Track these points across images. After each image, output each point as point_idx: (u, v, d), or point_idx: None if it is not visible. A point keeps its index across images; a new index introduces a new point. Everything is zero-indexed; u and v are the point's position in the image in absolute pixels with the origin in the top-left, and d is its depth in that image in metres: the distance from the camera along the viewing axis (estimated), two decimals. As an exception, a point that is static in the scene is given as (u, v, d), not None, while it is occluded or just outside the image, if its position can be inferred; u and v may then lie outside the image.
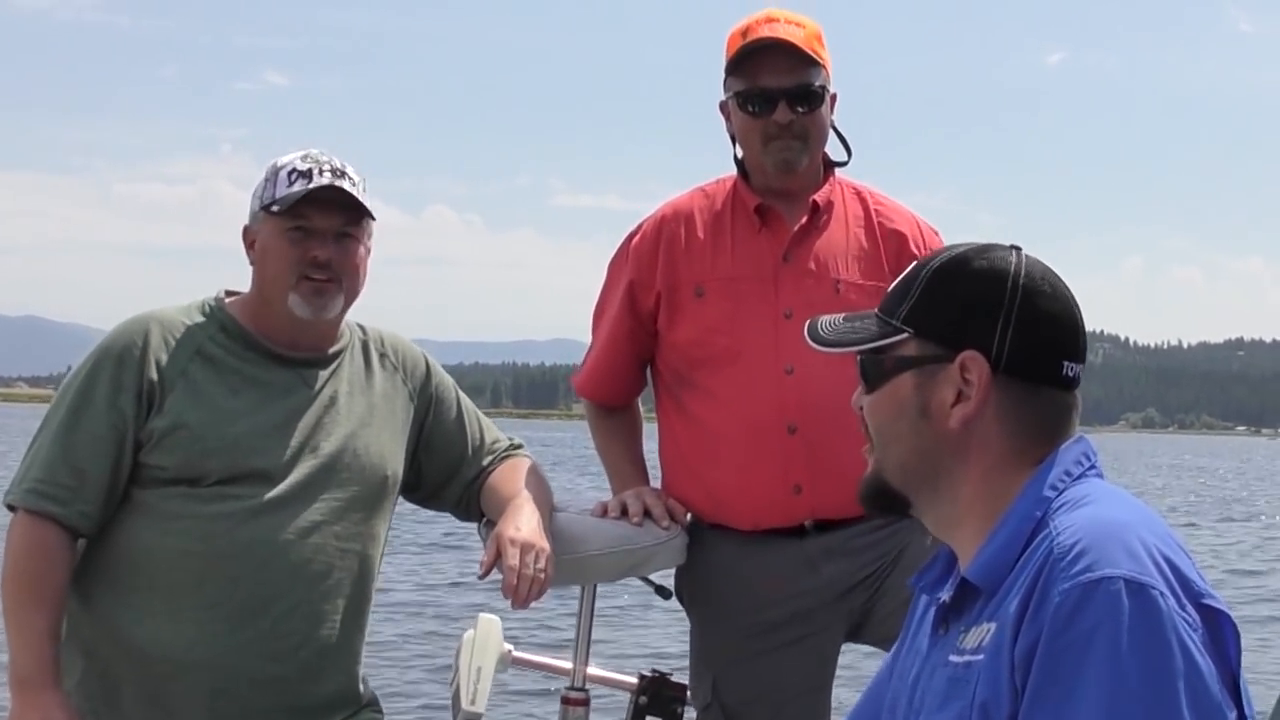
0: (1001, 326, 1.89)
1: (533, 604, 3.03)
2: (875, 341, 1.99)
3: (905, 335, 1.96)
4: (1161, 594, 1.70)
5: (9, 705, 2.92)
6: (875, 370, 2.00)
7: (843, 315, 2.08)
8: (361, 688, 3.20)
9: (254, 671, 2.99)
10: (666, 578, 3.48)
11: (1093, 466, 1.93)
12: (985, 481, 1.92)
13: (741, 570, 3.38)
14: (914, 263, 2.04)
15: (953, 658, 1.87)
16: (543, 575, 3.02)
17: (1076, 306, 1.95)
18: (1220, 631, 1.74)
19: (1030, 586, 1.76)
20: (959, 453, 1.93)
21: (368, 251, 3.13)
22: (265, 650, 3.00)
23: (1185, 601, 1.72)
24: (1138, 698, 1.66)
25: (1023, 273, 1.91)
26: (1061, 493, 1.87)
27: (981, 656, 1.81)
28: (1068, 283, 1.97)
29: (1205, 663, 1.70)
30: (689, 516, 3.44)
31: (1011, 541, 1.85)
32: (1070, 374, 1.92)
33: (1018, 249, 1.96)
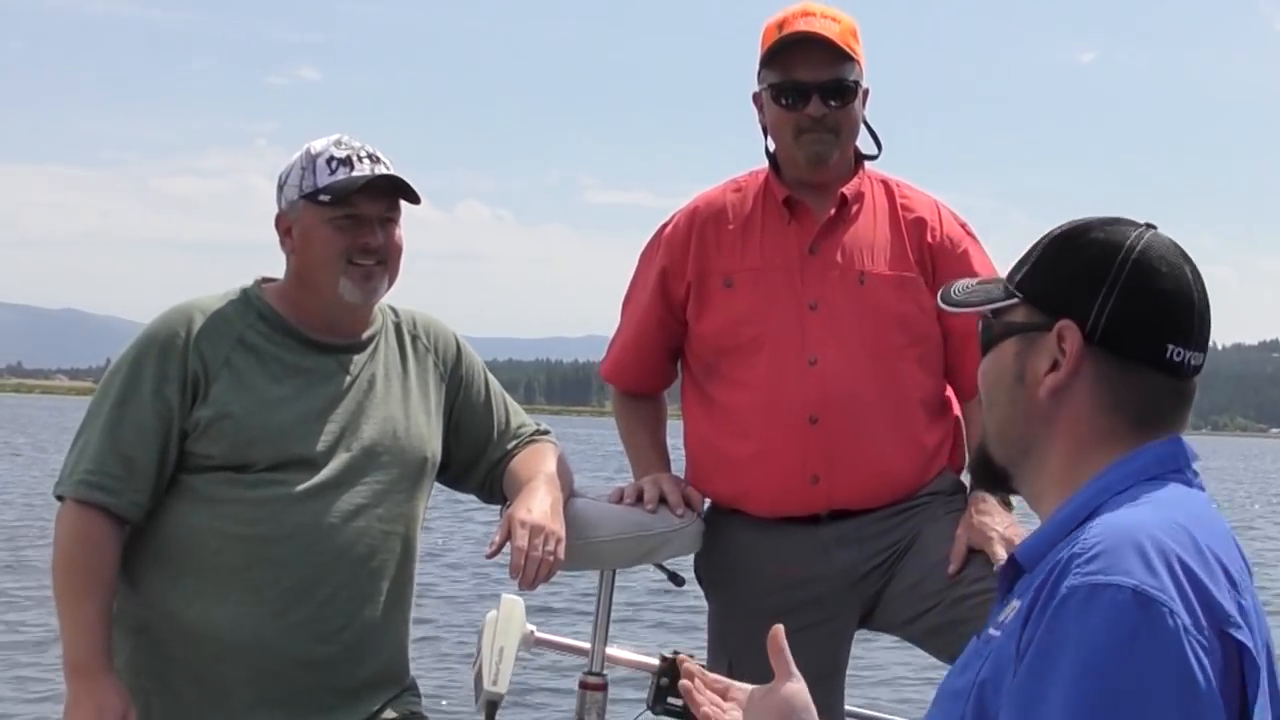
0: (1102, 298, 1.84)
1: (540, 586, 3.06)
2: (990, 304, 1.96)
3: (1016, 300, 1.93)
4: (1172, 612, 1.63)
5: (65, 691, 2.98)
6: (986, 334, 1.97)
7: (980, 278, 2.07)
8: (405, 668, 3.25)
9: (299, 652, 3.04)
10: (683, 565, 3.51)
11: (1178, 470, 1.86)
12: (1070, 457, 1.88)
13: (757, 555, 3.42)
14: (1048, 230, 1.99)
15: (990, 629, 1.85)
16: (551, 558, 3.04)
17: (1197, 292, 1.87)
18: (1239, 665, 1.67)
19: (1047, 577, 1.73)
20: (1048, 424, 1.89)
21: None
22: (311, 632, 3.05)
23: (1205, 625, 1.64)
24: (1114, 713, 1.61)
25: (1138, 248, 1.85)
26: (1128, 489, 1.82)
27: (1000, 634, 1.80)
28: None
29: (1210, 693, 1.62)
30: (707, 503, 3.49)
31: (1063, 525, 1.82)
32: (1177, 358, 1.84)
33: (1152, 227, 1.90)
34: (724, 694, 2.25)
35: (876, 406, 3.37)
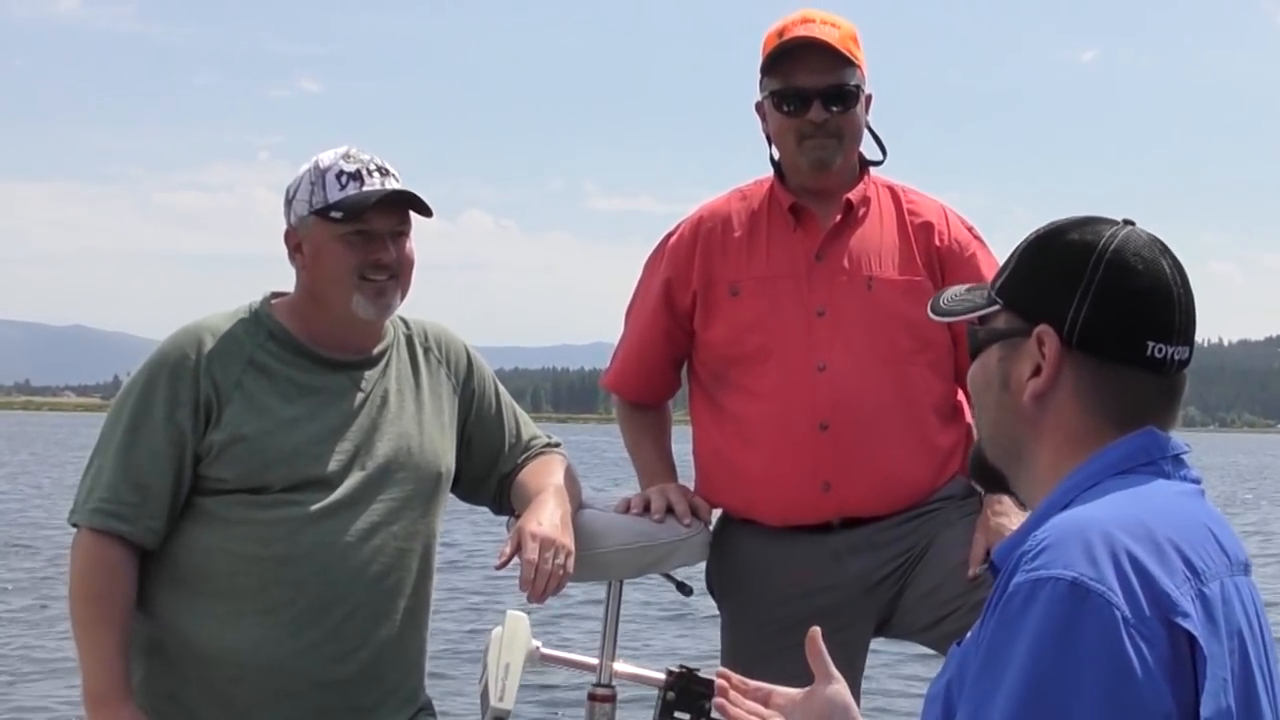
0: (1078, 301, 1.84)
1: (550, 599, 3.05)
2: (974, 312, 1.98)
3: (997, 307, 1.94)
4: (1111, 603, 1.64)
5: None
6: (972, 341, 1.99)
7: (969, 286, 2.08)
8: (421, 686, 3.24)
9: (317, 673, 3.03)
10: (694, 575, 3.49)
11: (1150, 463, 1.85)
12: (1056, 460, 1.88)
13: (768, 564, 3.41)
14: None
15: (970, 630, 1.86)
16: (561, 571, 3.04)
17: (1175, 284, 1.86)
18: (1190, 657, 1.67)
19: (1004, 574, 1.76)
20: (1034, 428, 1.90)
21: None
22: (328, 652, 3.03)
23: (1149, 615, 1.65)
24: (1047, 703, 1.63)
25: (1112, 247, 1.85)
26: (1095, 485, 1.82)
27: (969, 636, 1.82)
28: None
29: (1148, 681, 1.63)
30: (717, 512, 3.47)
31: (1035, 525, 1.82)
32: (1159, 355, 1.84)
33: (1130, 223, 1.91)
34: (766, 700, 2.26)
35: (887, 412, 3.35)
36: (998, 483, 2.02)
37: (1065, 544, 1.69)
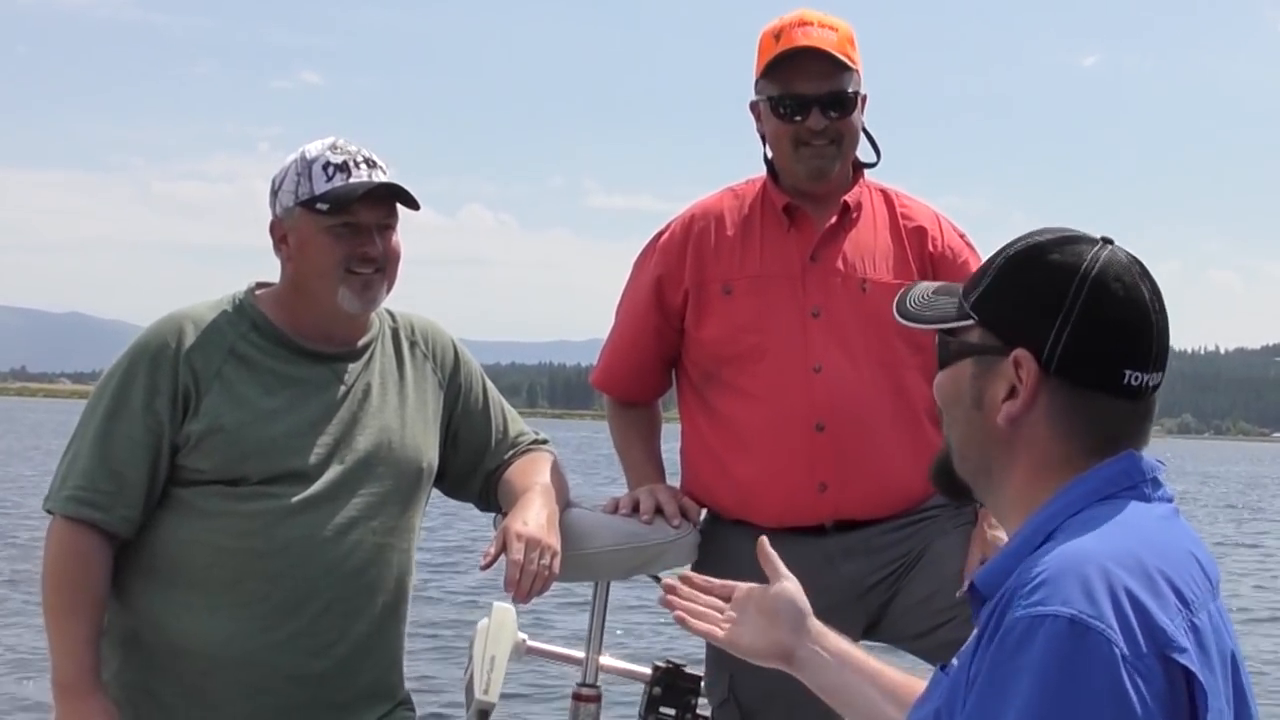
0: (1058, 327, 1.82)
1: (534, 600, 3.02)
2: (946, 323, 1.96)
3: (971, 322, 1.92)
4: (1110, 640, 1.63)
5: (53, 709, 2.95)
6: (943, 351, 1.97)
7: (935, 287, 2.05)
8: (399, 681, 3.21)
9: (291, 668, 3.01)
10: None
11: (1131, 487, 1.84)
12: (1029, 482, 1.87)
13: (759, 567, 3.39)
14: (1001, 246, 1.97)
15: (954, 659, 1.84)
16: (547, 572, 3.01)
17: (1153, 310, 1.86)
18: (1186, 691, 1.66)
19: (994, 607, 1.75)
20: (1007, 449, 1.89)
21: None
22: (303, 647, 3.01)
23: (1145, 651, 1.64)
24: None
25: (1094, 270, 1.83)
26: (1080, 512, 1.81)
27: (956, 663, 1.81)
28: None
29: (1147, 717, 1.62)
30: (704, 514, 3.45)
31: (1018, 552, 1.81)
32: (1134, 383, 1.83)
33: (1108, 242, 1.89)
34: (729, 597, 2.43)
35: (884, 414, 3.35)
36: (963, 494, 2.01)
37: (1062, 579, 1.68)
